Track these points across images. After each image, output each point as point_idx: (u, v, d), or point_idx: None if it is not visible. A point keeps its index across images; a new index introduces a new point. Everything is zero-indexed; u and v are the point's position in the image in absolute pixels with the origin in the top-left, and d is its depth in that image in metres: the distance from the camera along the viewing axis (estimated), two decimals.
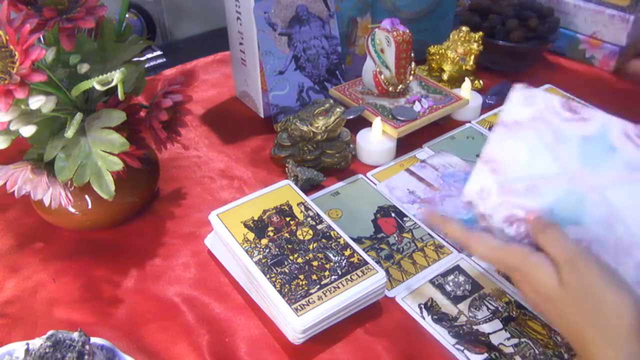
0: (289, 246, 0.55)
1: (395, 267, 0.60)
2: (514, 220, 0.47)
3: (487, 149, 0.49)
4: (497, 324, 0.54)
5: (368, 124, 0.75)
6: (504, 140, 0.48)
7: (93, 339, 0.47)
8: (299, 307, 0.50)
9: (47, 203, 0.55)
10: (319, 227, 0.58)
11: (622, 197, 0.44)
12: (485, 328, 0.54)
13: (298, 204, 0.60)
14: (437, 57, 0.89)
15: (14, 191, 0.54)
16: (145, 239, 0.63)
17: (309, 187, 0.70)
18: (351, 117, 0.70)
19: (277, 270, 0.53)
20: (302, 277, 0.52)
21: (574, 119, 0.46)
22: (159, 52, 1.02)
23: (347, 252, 0.55)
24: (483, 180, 0.48)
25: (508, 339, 0.53)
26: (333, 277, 0.53)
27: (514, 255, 0.44)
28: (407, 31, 0.74)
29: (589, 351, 0.40)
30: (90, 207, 0.59)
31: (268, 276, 0.52)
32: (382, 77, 0.77)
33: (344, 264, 0.54)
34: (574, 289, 0.41)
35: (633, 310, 0.39)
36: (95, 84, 0.49)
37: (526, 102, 0.48)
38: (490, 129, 0.82)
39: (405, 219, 0.66)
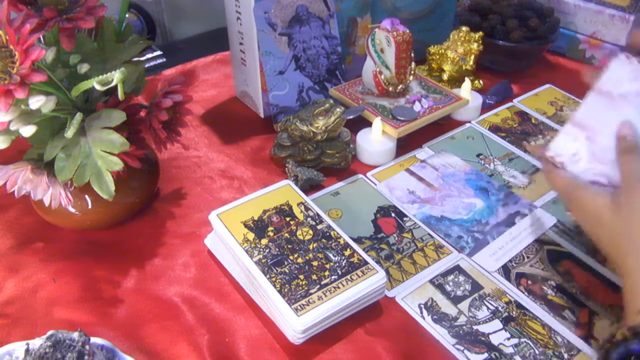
0: (289, 246, 0.55)
1: (395, 267, 0.60)
2: (598, 186, 0.50)
3: (584, 115, 0.51)
4: (497, 324, 0.54)
5: (368, 124, 0.75)
6: (604, 110, 0.50)
7: (93, 339, 0.47)
8: (299, 307, 0.50)
9: (47, 203, 0.55)
10: (319, 227, 0.58)
11: None
12: (485, 328, 0.54)
13: (298, 204, 0.60)
14: (437, 57, 0.89)
15: (14, 191, 0.54)
16: (145, 239, 0.63)
17: (309, 187, 0.70)
18: (351, 117, 0.70)
19: (277, 270, 0.53)
20: (302, 277, 0.52)
21: None
22: (159, 52, 1.02)
23: (347, 252, 0.55)
24: (577, 145, 0.51)
25: (508, 339, 0.53)
26: (333, 277, 0.53)
27: (568, 183, 0.51)
28: (407, 31, 0.74)
29: (627, 273, 0.45)
30: (90, 207, 0.59)
31: (268, 276, 0.52)
32: (382, 77, 0.77)
33: (344, 264, 0.54)
34: (624, 210, 0.45)
35: None
36: (95, 84, 0.49)
37: (636, 76, 0.49)
38: (490, 128, 0.82)
39: (405, 219, 0.66)
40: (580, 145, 0.51)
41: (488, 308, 0.56)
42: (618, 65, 0.50)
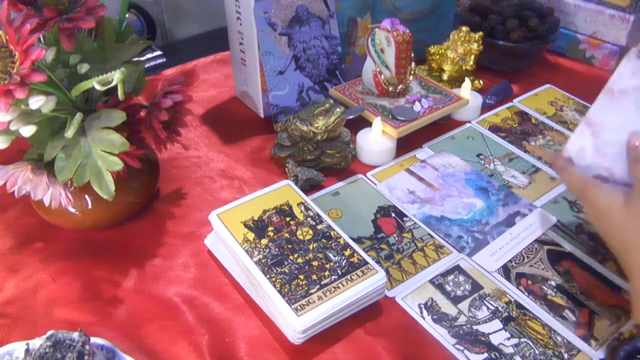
0: (289, 246, 0.55)
1: (395, 267, 0.60)
2: (601, 180, 0.52)
3: (592, 112, 0.54)
4: (497, 324, 0.54)
5: (368, 124, 0.75)
6: (607, 106, 0.53)
7: (93, 339, 0.47)
8: (299, 307, 0.50)
9: (47, 203, 0.55)
10: (319, 227, 0.58)
11: None
12: (485, 328, 0.54)
13: (298, 204, 0.60)
14: (437, 57, 0.89)
15: (14, 191, 0.54)
16: (145, 239, 0.63)
17: (309, 187, 0.70)
18: (351, 117, 0.70)
19: (277, 270, 0.53)
20: (302, 277, 0.52)
21: None
22: (159, 52, 1.02)
23: (347, 252, 0.55)
24: (583, 141, 0.53)
25: (508, 339, 0.53)
26: (333, 277, 0.53)
27: (582, 182, 0.53)
28: (407, 31, 0.74)
29: (634, 271, 0.47)
30: (90, 207, 0.59)
31: (268, 276, 0.52)
32: (382, 77, 0.77)
33: (344, 264, 0.54)
34: (635, 210, 0.47)
35: None
36: (95, 84, 0.49)
37: (635, 72, 0.51)
38: (490, 128, 0.82)
39: (405, 219, 0.66)
40: (586, 140, 0.53)
41: (488, 308, 0.56)
42: (624, 64, 0.52)
